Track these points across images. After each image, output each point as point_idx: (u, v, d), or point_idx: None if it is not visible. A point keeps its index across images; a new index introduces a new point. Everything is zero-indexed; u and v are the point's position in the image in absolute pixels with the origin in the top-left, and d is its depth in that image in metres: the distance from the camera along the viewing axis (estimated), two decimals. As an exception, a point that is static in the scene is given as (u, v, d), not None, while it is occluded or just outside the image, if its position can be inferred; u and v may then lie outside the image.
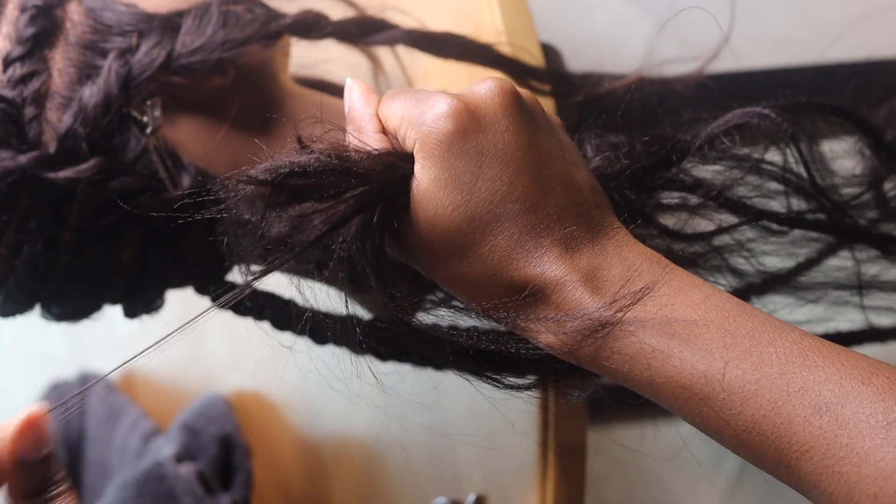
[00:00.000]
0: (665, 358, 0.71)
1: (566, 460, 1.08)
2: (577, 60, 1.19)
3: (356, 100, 0.84)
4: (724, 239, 0.95)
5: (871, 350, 0.99)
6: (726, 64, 1.08)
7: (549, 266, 0.75)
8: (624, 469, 1.40)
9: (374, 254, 0.78)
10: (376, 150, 0.78)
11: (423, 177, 0.76)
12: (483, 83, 0.78)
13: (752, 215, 0.93)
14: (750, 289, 1.00)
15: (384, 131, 0.81)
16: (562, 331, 0.74)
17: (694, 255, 0.95)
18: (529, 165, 0.76)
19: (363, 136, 0.81)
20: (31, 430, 0.73)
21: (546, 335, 0.76)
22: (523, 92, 0.80)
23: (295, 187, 0.76)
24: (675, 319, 0.72)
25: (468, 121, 0.76)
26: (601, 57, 1.16)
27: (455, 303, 0.85)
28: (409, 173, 0.77)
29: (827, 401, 0.66)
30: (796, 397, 0.67)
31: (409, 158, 0.77)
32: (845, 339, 1.07)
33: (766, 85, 0.96)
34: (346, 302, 0.89)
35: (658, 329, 0.72)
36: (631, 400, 0.82)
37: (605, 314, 0.73)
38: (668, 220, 0.92)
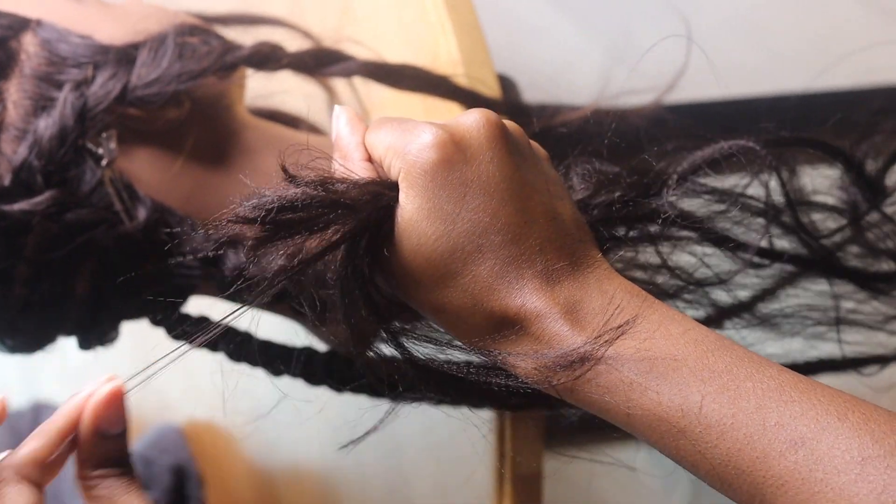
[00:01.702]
0: (643, 391, 0.72)
1: (522, 490, 1.08)
2: (533, 91, 1.19)
3: (343, 127, 0.84)
4: (704, 272, 0.96)
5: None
6: (685, 94, 1.08)
7: (529, 297, 0.75)
8: (580, 497, 1.40)
9: (362, 282, 0.78)
10: (362, 178, 0.78)
11: (407, 206, 0.76)
12: (469, 114, 0.79)
13: (731, 247, 0.94)
14: (723, 316, 1.00)
15: (370, 159, 0.81)
16: (541, 363, 0.75)
17: (675, 288, 0.95)
18: (513, 197, 0.76)
19: (349, 163, 0.80)
20: (115, 401, 0.76)
21: (525, 366, 0.76)
22: (509, 124, 0.80)
23: (283, 222, 0.76)
24: (653, 353, 0.72)
25: (453, 151, 0.76)
26: (557, 87, 1.17)
27: (435, 334, 0.85)
28: (394, 202, 0.77)
29: (802, 436, 0.66)
30: (772, 432, 0.67)
31: (393, 187, 0.77)
32: (812, 368, 1.08)
33: (731, 115, 0.97)
34: (306, 333, 0.89)
35: (636, 363, 0.72)
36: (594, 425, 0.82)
37: (586, 349, 0.73)
38: (649, 252, 0.92)
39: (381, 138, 0.79)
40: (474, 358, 0.80)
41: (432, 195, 0.76)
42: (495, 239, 0.76)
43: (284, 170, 0.77)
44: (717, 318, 1.00)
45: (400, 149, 0.77)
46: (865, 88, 1.24)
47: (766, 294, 1.02)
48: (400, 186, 0.77)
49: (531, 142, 0.83)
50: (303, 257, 0.76)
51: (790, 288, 1.02)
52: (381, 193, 0.77)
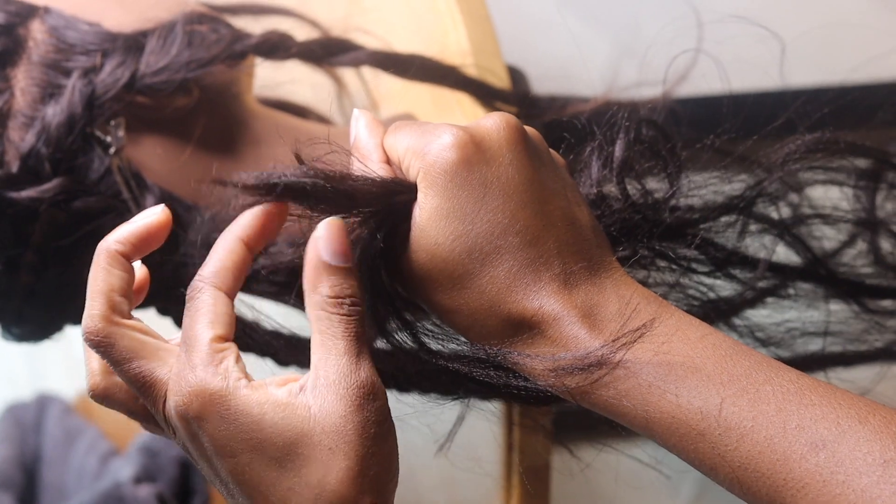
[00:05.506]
0: (661, 394, 0.71)
1: (530, 483, 1.07)
2: (543, 82, 1.19)
3: (362, 130, 0.83)
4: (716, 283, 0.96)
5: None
6: (696, 87, 1.08)
7: (546, 300, 0.75)
8: (588, 490, 1.40)
9: (379, 280, 0.79)
10: (380, 176, 0.78)
11: (426, 205, 0.76)
12: (490, 116, 0.78)
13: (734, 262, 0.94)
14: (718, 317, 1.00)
15: (388, 162, 0.81)
16: (557, 366, 0.74)
17: (688, 297, 0.95)
18: (532, 200, 0.76)
19: (368, 164, 0.80)
20: (338, 232, 0.77)
21: (540, 369, 0.75)
22: (528, 129, 0.80)
23: (292, 192, 0.77)
24: (671, 356, 0.72)
25: (472, 152, 0.75)
26: (567, 79, 1.16)
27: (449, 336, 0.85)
28: (412, 202, 0.77)
29: (824, 438, 0.66)
30: (793, 434, 0.67)
31: (412, 188, 0.77)
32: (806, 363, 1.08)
33: (740, 109, 0.96)
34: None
35: (654, 366, 0.72)
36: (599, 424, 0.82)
37: (603, 352, 0.73)
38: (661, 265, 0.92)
39: (401, 140, 0.79)
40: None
41: (451, 195, 0.75)
42: (513, 240, 0.75)
43: (298, 158, 0.77)
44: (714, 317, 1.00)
45: (419, 149, 0.77)
46: (876, 83, 1.23)
47: (753, 301, 1.02)
48: (419, 186, 0.76)
49: (549, 149, 0.82)
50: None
51: (783, 300, 1.02)
52: (398, 191, 0.77)
